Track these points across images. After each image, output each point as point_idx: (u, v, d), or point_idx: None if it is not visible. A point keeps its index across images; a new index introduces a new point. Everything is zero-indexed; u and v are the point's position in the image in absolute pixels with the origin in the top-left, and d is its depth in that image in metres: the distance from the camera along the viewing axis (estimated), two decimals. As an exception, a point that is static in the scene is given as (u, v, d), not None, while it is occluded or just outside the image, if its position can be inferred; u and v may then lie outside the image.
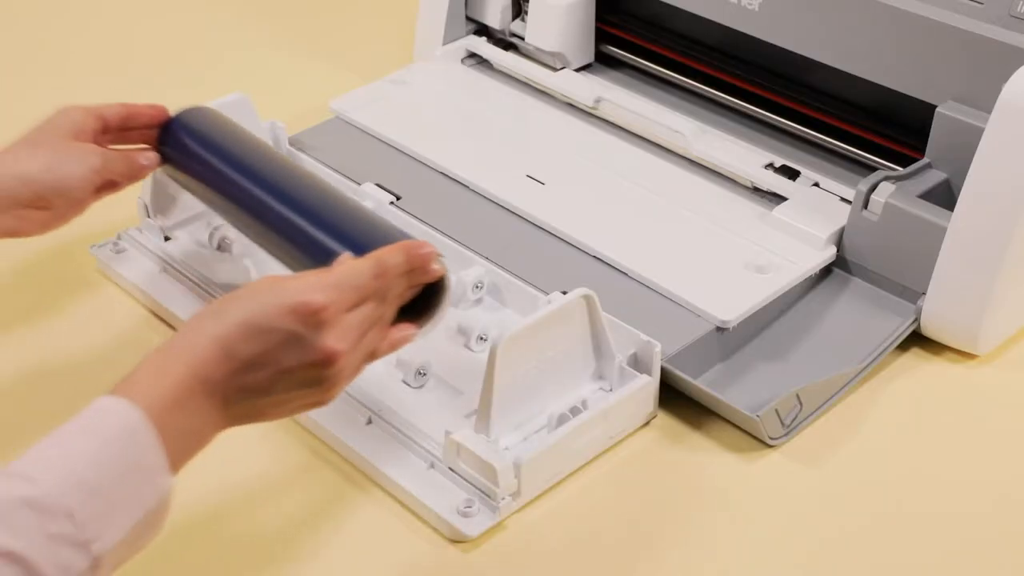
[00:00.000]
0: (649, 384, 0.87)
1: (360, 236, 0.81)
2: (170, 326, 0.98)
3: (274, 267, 1.00)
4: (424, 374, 0.89)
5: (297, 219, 0.85)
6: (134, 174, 0.92)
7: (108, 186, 0.91)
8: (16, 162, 0.86)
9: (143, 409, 0.65)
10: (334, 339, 0.70)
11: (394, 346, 0.76)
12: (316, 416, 0.86)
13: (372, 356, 0.75)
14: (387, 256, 0.75)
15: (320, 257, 0.79)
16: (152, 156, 0.93)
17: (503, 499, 0.80)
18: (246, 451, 0.86)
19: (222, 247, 1.02)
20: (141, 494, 0.64)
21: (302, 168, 0.94)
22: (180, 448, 0.67)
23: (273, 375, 0.69)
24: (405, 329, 0.76)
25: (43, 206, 0.87)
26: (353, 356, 0.72)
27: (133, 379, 0.67)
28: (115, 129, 0.93)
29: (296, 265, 0.85)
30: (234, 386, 0.69)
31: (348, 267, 0.73)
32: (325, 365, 0.70)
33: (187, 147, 0.94)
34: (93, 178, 0.88)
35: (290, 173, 0.90)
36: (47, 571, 0.60)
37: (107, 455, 0.63)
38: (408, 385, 0.89)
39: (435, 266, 0.77)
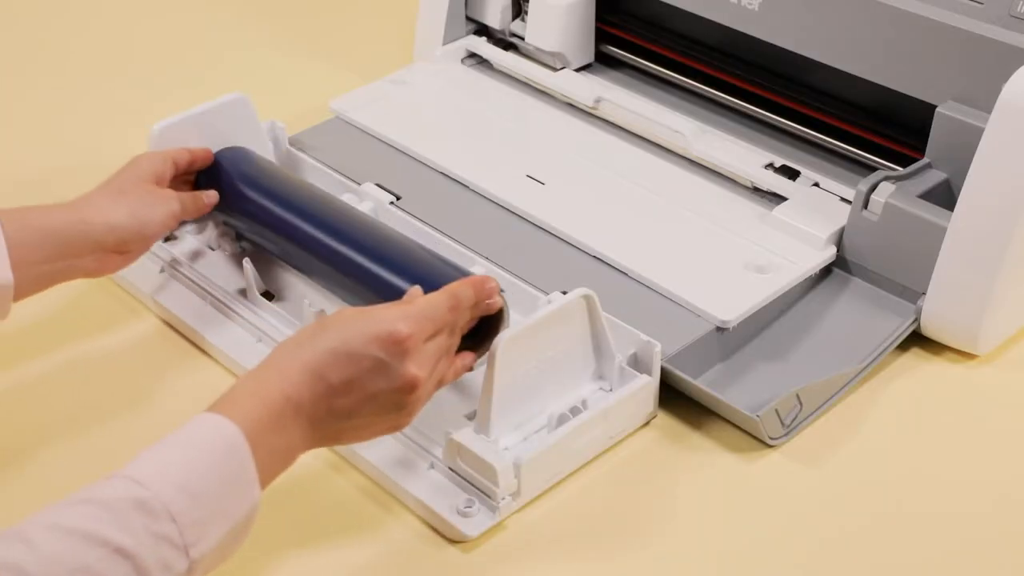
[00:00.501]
0: (649, 384, 0.87)
1: (427, 273, 0.86)
2: (170, 326, 0.98)
3: (277, 268, 1.00)
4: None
5: (366, 261, 0.90)
6: (200, 212, 0.97)
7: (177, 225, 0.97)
8: (103, 210, 0.90)
9: (241, 428, 0.70)
10: (416, 367, 0.75)
11: (458, 373, 0.81)
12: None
13: (441, 383, 0.79)
14: (459, 290, 0.80)
15: (388, 293, 0.85)
16: (213, 194, 0.98)
17: (503, 499, 0.80)
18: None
19: (223, 248, 1.02)
20: (235, 505, 0.69)
21: (353, 208, 0.98)
22: (269, 465, 0.72)
23: (359, 400, 0.74)
24: (466, 357, 0.82)
25: (124, 250, 0.91)
26: (429, 383, 0.77)
27: (230, 398, 0.72)
28: (182, 173, 0.98)
29: (357, 298, 0.90)
30: (323, 409, 0.74)
31: (426, 300, 0.78)
32: (407, 391, 0.75)
33: (235, 185, 0.98)
34: (171, 222, 0.94)
35: (343, 213, 0.96)
36: (153, 569, 0.64)
37: (208, 467, 0.68)
38: (408, 385, 0.89)
39: (496, 299, 0.82)
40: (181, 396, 0.92)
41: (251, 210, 0.98)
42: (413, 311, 0.76)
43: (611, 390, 0.87)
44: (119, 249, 0.90)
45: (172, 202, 0.93)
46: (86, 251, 0.88)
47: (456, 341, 0.80)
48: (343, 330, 0.75)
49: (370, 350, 0.74)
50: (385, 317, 0.75)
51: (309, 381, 0.73)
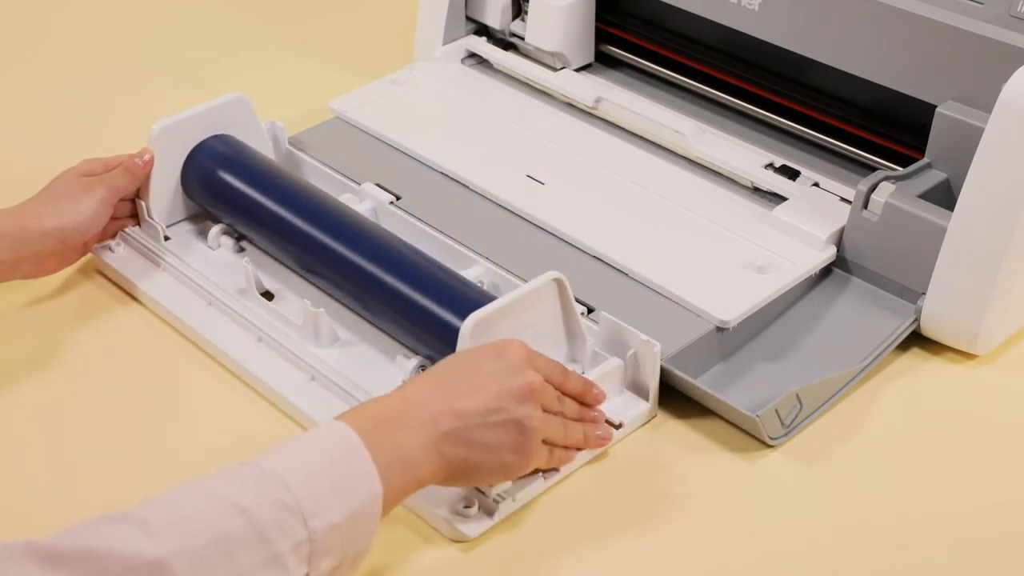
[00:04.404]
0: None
1: (424, 273, 0.89)
2: (169, 325, 0.98)
3: (276, 269, 1.00)
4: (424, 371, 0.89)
5: (368, 263, 0.92)
6: (139, 180, 1.00)
7: (121, 202, 1.00)
8: (38, 215, 0.94)
9: (353, 426, 0.71)
10: (532, 372, 0.77)
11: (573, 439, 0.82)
12: (316, 416, 0.86)
13: (564, 449, 0.81)
14: (573, 372, 0.82)
15: (388, 294, 0.89)
16: (148, 150, 0.99)
17: (502, 499, 0.80)
18: (248, 451, 0.86)
19: (221, 246, 1.02)
20: (353, 486, 0.69)
21: (350, 208, 0.99)
22: (390, 463, 0.71)
23: (482, 402, 0.75)
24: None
25: (64, 250, 0.96)
26: (549, 418, 0.78)
27: (350, 410, 0.74)
28: (113, 167, 0.99)
29: (358, 299, 0.92)
30: (446, 409, 0.74)
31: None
32: (527, 392, 0.76)
33: (234, 187, 1.00)
34: (104, 208, 0.97)
35: (340, 212, 0.97)
36: (270, 529, 0.65)
37: (318, 450, 0.69)
38: (408, 385, 0.89)
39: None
40: (180, 396, 0.92)
41: (247, 207, 0.98)
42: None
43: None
44: (59, 251, 0.95)
45: (98, 189, 0.96)
46: (26, 257, 0.93)
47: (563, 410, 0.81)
48: (461, 351, 0.79)
49: (486, 351, 0.77)
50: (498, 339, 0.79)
51: (430, 382, 0.76)
